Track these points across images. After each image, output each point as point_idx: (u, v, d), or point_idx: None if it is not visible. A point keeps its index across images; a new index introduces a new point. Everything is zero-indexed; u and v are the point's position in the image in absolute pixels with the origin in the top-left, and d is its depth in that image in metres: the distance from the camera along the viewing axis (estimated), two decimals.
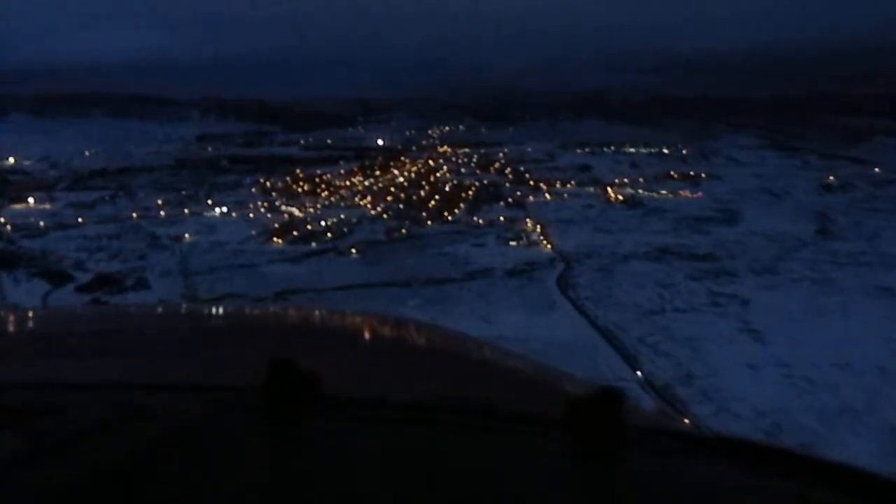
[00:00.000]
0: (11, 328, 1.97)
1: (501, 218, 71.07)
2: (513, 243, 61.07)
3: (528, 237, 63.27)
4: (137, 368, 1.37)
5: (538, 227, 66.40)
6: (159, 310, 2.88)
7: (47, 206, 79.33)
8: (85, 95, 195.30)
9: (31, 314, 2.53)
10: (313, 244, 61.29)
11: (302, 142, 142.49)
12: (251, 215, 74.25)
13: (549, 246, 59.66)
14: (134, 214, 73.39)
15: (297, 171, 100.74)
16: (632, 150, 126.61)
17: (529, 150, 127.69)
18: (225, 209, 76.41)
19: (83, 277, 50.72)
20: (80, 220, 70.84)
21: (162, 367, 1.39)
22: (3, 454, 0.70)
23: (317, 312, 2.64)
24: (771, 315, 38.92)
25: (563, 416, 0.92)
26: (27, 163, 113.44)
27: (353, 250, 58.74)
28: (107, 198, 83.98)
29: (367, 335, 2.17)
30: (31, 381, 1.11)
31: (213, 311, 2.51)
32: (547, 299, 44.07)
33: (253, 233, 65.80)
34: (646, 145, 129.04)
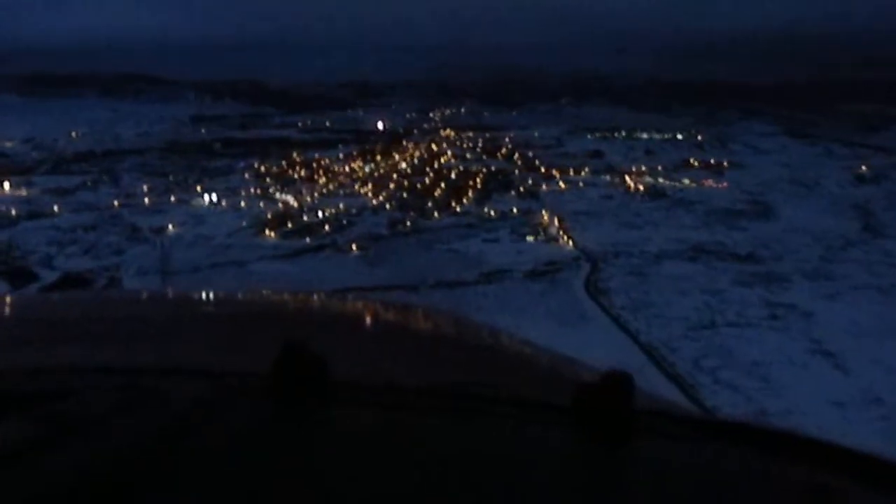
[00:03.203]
0: (20, 314, 1.95)
1: (514, 209, 65.47)
2: (529, 239, 55.53)
3: (545, 232, 57.73)
4: (146, 353, 1.38)
5: (555, 219, 60.85)
6: (167, 295, 2.75)
7: (23, 191, 73.74)
8: (76, 75, 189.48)
9: (39, 300, 2.60)
10: (309, 238, 55.69)
11: (299, 124, 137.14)
12: (242, 204, 68.65)
13: (570, 242, 54.10)
14: (115, 202, 67.78)
15: (294, 154, 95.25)
16: (644, 135, 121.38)
17: (536, 134, 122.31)
18: (214, 197, 70.73)
19: (48, 276, 45.15)
20: (55, 208, 65.24)
21: (170, 353, 1.41)
22: (18, 439, 0.71)
23: (325, 298, 2.65)
24: (841, 332, 33.52)
25: (571, 401, 0.92)
26: (8, 144, 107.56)
27: (354, 246, 53.17)
28: (88, 183, 78.40)
29: (375, 321, 2.12)
30: (42, 367, 1.12)
31: (222, 296, 2.41)
32: (576, 308, 38.57)
33: (243, 224, 60.21)
34: (657, 131, 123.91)
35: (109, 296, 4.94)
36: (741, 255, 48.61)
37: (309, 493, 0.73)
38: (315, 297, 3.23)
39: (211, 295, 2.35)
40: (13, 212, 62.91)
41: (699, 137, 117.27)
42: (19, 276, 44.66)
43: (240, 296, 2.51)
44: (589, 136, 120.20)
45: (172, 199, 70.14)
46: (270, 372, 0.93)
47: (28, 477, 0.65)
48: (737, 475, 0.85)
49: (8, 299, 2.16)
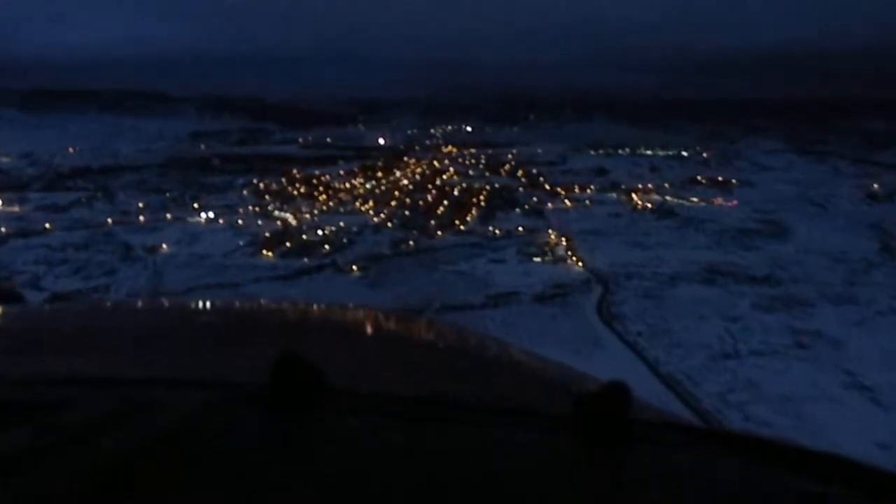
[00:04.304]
0: (18, 324, 1.96)
1: (520, 228, 63.62)
2: (537, 259, 53.58)
3: (553, 252, 55.79)
4: (143, 364, 1.40)
5: (563, 239, 59.00)
6: (165, 304, 2.82)
7: (15, 208, 71.93)
8: (76, 90, 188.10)
9: (37, 310, 2.66)
10: (308, 259, 53.70)
11: (300, 140, 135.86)
12: (240, 222, 66.74)
13: (579, 263, 52.13)
14: (109, 220, 65.94)
15: (294, 171, 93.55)
16: (648, 152, 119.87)
17: (539, 151, 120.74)
18: (211, 214, 68.87)
19: (34, 298, 43.01)
20: (47, 225, 63.35)
21: (167, 363, 1.42)
22: (16, 448, 0.72)
23: (323, 307, 2.68)
24: (874, 362, 31.41)
25: (571, 410, 0.93)
26: (5, 160, 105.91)
27: (355, 266, 51.24)
28: (83, 200, 76.69)
29: (372, 330, 2.14)
30: (40, 377, 1.14)
31: (221, 305, 2.47)
32: (589, 334, 36.49)
33: (240, 243, 58.25)
34: (662, 147, 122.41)
35: (107, 305, 4.69)
36: (758, 277, 46.62)
37: (307, 501, 0.73)
38: (313, 306, 3.15)
39: (209, 304, 2.31)
40: (3, 229, 61.02)
41: (704, 154, 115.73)
42: (1, 298, 42.65)
43: (238, 305, 2.48)
44: (592, 153, 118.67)
45: (168, 216, 68.33)
46: (268, 381, 0.93)
47: (27, 486, 0.66)
48: (733, 484, 0.86)
49: (6, 310, 2.17)
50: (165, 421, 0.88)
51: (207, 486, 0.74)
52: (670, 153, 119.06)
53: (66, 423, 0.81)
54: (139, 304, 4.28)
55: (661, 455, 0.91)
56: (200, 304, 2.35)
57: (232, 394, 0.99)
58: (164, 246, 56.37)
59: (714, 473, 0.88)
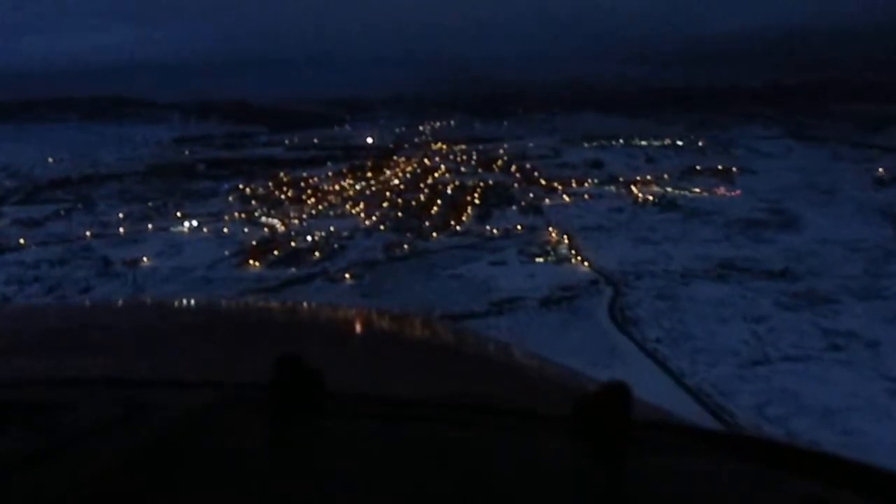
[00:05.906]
0: (17, 324, 1.97)
1: (518, 226, 60.91)
2: (539, 260, 50.87)
3: (555, 251, 53.09)
4: (143, 364, 1.42)
5: (564, 237, 56.30)
6: (164, 305, 2.74)
7: None
8: (57, 99, 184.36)
9: (36, 310, 2.65)
10: (297, 268, 50.83)
11: (287, 142, 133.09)
12: (225, 230, 63.78)
13: (584, 263, 49.45)
14: (87, 233, 62.85)
15: (281, 174, 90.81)
16: (642, 142, 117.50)
17: (531, 145, 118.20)
18: (195, 223, 65.88)
19: None
20: (21, 241, 60.19)
21: (168, 363, 1.44)
22: (15, 450, 0.71)
23: (323, 308, 2.61)
24: None
25: (571, 411, 0.92)
26: None
27: (347, 275, 48.45)
28: (62, 212, 73.52)
29: (373, 331, 2.14)
30: (39, 378, 1.14)
31: (218, 306, 2.44)
32: (604, 342, 33.81)
33: (226, 253, 55.33)
34: (656, 137, 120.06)
35: (106, 305, 4.08)
36: (775, 271, 44.07)
37: (307, 503, 0.73)
38: (313, 306, 2.99)
39: (209, 304, 2.23)
40: None
41: (700, 143, 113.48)
42: None
43: (238, 305, 2.38)
44: (586, 145, 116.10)
45: (150, 226, 65.32)
46: (268, 383, 0.93)
47: (24, 490, 0.66)
48: (734, 486, 0.85)
49: (5, 309, 2.08)
50: (166, 422, 0.88)
51: (208, 488, 0.74)
52: (665, 143, 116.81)
53: (65, 424, 0.80)
54: (137, 304, 4.00)
55: (661, 456, 0.91)
56: (200, 304, 2.23)
57: (232, 395, 0.99)
58: (145, 259, 53.47)
59: (714, 474, 0.87)
